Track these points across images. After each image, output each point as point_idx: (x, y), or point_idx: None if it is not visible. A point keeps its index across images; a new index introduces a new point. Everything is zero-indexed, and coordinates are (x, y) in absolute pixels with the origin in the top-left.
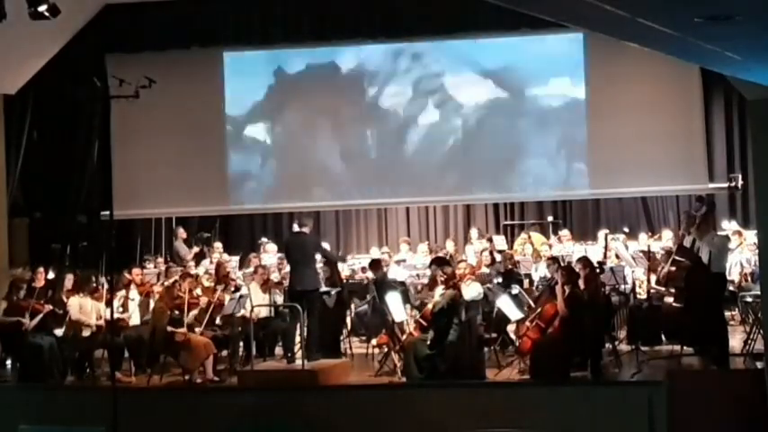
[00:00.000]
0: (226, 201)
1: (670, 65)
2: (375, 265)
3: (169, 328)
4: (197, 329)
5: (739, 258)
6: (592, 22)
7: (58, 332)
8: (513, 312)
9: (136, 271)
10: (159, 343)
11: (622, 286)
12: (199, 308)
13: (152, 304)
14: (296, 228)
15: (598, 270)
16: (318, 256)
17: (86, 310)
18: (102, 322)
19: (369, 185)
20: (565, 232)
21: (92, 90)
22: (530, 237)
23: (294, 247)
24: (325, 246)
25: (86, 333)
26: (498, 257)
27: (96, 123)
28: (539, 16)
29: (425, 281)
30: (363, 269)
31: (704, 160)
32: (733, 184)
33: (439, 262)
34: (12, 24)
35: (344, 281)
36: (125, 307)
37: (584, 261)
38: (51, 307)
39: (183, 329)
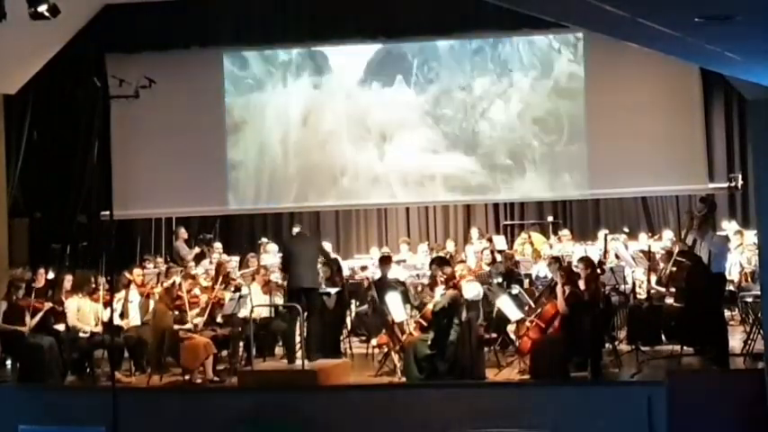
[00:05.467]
0: (226, 201)
1: (670, 65)
2: (384, 261)
3: (176, 326)
4: (197, 322)
5: (739, 258)
6: (592, 22)
7: (60, 326)
8: (513, 312)
9: (136, 271)
10: (167, 346)
11: (622, 286)
12: (199, 307)
13: (152, 305)
14: (295, 230)
15: (598, 270)
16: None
17: (84, 312)
18: (99, 329)
19: (369, 185)
20: (565, 232)
21: (92, 90)
22: (530, 237)
23: (297, 248)
24: (326, 246)
25: (84, 335)
26: (498, 257)
27: (96, 123)
28: (539, 16)
29: (425, 281)
30: (363, 268)
31: (704, 160)
32: (733, 184)
33: (439, 262)
34: (12, 24)
35: (344, 281)
36: (125, 310)
37: (586, 261)
38: (51, 304)
39: (189, 325)
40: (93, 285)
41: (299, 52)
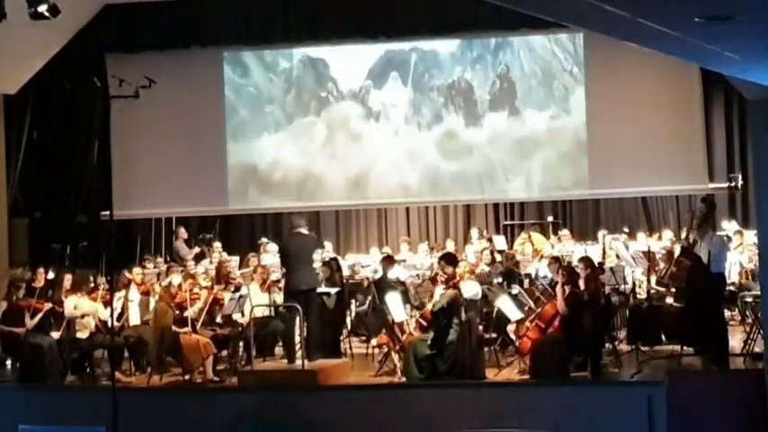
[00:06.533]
0: (226, 201)
1: (670, 65)
2: (387, 260)
3: (174, 328)
4: (198, 317)
5: (739, 258)
6: (592, 22)
7: (56, 335)
8: (513, 312)
9: (136, 270)
10: (167, 345)
11: (622, 286)
12: (200, 302)
13: (152, 304)
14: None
15: (598, 270)
16: (317, 257)
17: (83, 310)
18: (95, 324)
19: (369, 185)
20: (565, 232)
21: (92, 90)
22: (530, 237)
23: (293, 248)
24: (326, 246)
25: (84, 335)
26: (498, 257)
27: (96, 123)
28: (539, 16)
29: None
30: (364, 266)
31: (704, 160)
32: (733, 184)
33: (447, 259)
34: (12, 24)
35: (345, 281)
36: (125, 309)
37: (586, 261)
38: (51, 305)
39: (188, 329)
40: (93, 285)
41: (299, 52)
